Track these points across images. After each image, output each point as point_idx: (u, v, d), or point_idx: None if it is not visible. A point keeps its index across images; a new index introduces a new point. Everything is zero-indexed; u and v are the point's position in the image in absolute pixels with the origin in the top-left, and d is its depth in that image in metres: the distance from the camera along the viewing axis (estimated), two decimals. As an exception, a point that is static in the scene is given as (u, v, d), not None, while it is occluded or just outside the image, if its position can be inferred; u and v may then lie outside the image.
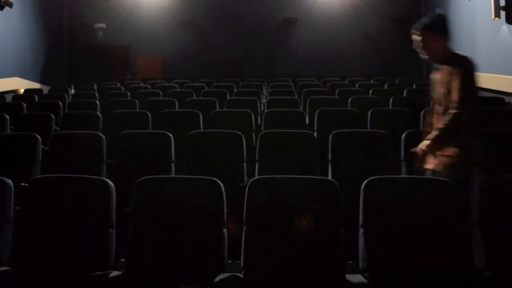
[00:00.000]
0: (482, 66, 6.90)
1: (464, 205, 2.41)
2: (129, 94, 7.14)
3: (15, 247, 2.46)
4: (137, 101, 6.05)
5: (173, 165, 3.75)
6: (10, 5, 7.40)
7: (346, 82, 8.36)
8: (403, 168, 3.62)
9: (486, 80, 6.51)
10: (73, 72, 10.75)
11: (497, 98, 5.73)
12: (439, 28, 2.75)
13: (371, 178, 2.43)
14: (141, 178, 2.56)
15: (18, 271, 2.34)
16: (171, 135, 3.83)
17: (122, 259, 2.43)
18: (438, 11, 2.84)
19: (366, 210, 2.37)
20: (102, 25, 11.07)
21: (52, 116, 4.96)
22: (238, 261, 2.37)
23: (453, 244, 2.29)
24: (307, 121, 5.07)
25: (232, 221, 2.48)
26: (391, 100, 5.65)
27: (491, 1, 5.87)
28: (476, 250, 2.31)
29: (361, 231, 2.36)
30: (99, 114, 5.18)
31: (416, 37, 2.81)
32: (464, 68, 2.64)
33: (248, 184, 2.48)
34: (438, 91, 2.76)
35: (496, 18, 5.83)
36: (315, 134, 4.33)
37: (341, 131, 3.78)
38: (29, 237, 2.46)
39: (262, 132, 4.02)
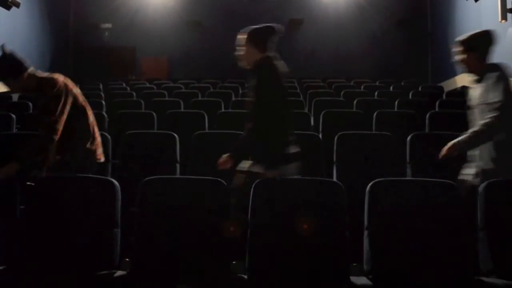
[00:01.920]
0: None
1: (469, 208, 2.40)
2: (134, 94, 7.16)
3: (21, 246, 2.47)
4: (142, 101, 6.07)
5: (178, 165, 3.76)
6: (17, 5, 7.44)
7: (352, 83, 8.34)
8: (408, 171, 3.61)
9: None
10: (79, 72, 10.79)
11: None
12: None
13: (376, 180, 2.43)
14: (146, 178, 2.57)
15: (23, 270, 2.35)
16: (176, 136, 3.83)
17: (127, 259, 2.44)
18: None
19: (371, 212, 2.37)
20: (108, 25, 11.11)
21: (58, 115, 4.97)
22: (243, 262, 2.37)
23: (459, 247, 2.28)
24: (312, 123, 5.07)
25: (237, 221, 2.48)
26: (396, 102, 5.64)
27: (498, 3, 5.85)
28: (481, 253, 2.30)
29: (366, 233, 2.36)
30: (104, 114, 5.19)
31: None
32: None
33: (254, 185, 2.48)
34: None
35: (503, 21, 5.80)
36: (320, 136, 4.32)
37: (347, 133, 3.77)
38: (35, 236, 2.47)
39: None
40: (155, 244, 2.39)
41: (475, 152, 2.69)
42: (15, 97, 7.40)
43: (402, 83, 8.43)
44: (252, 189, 2.45)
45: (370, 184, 2.40)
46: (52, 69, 10.16)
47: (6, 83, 2.85)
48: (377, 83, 8.35)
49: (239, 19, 10.86)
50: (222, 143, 3.82)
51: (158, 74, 10.50)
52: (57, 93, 2.83)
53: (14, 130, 4.81)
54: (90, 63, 10.68)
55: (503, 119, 2.49)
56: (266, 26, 2.72)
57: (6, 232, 2.51)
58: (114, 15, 10.93)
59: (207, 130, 4.60)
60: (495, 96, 2.52)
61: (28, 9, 8.72)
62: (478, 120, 2.62)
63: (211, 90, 7.43)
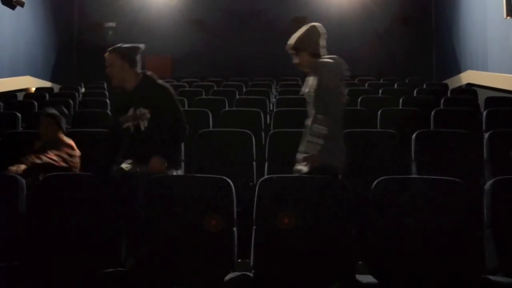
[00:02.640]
0: (494, 65, 6.87)
1: (475, 205, 2.39)
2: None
3: (27, 243, 2.48)
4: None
5: (182, 164, 3.76)
6: (22, 4, 7.45)
7: (356, 81, 8.32)
8: (413, 168, 3.60)
9: (498, 79, 6.46)
10: (83, 71, 10.81)
11: (509, 98, 5.67)
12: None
13: (381, 178, 2.42)
14: (151, 177, 2.58)
15: (30, 267, 2.36)
16: (180, 134, 3.83)
17: (133, 257, 2.44)
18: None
19: (376, 210, 2.36)
20: (112, 24, 11.13)
21: (63, 114, 4.99)
22: (248, 260, 2.37)
23: (465, 244, 2.28)
24: (316, 121, 5.05)
25: (241, 220, 2.48)
26: (401, 100, 5.62)
27: (503, 0, 5.80)
28: (488, 251, 2.29)
29: (371, 231, 2.35)
30: (109, 112, 5.20)
31: None
32: None
33: (258, 184, 2.48)
34: None
35: (508, 17, 5.76)
36: (325, 134, 4.31)
37: (351, 130, 3.76)
38: (41, 234, 2.48)
39: (272, 131, 4.02)
40: (160, 242, 2.40)
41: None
42: (20, 96, 7.43)
43: (407, 81, 8.40)
44: (257, 187, 2.46)
45: (375, 182, 2.40)
46: (56, 68, 10.23)
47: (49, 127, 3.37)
48: (381, 81, 8.32)
49: (242, 17, 10.88)
50: (227, 141, 3.83)
51: (162, 73, 10.45)
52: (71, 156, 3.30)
53: (20, 129, 4.83)
54: (94, 62, 10.66)
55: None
56: (134, 46, 2.85)
57: (11, 230, 2.52)
58: (118, 14, 10.94)
59: (211, 129, 4.60)
60: (318, 87, 2.59)
61: (33, 9, 8.73)
62: (309, 109, 2.69)
63: (215, 88, 7.43)
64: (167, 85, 2.81)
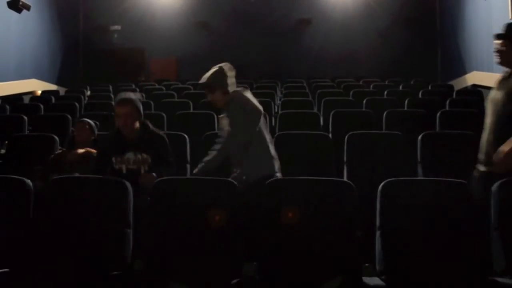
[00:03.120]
0: (499, 66, 6.83)
1: (482, 207, 2.38)
2: (144, 95, 7.19)
3: (33, 246, 2.49)
4: (152, 103, 6.10)
5: (188, 166, 3.77)
6: (28, 8, 7.52)
7: (361, 83, 8.31)
8: (419, 170, 3.59)
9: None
10: (89, 73, 10.87)
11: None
12: None
13: (388, 180, 2.41)
14: (157, 179, 2.59)
15: (36, 270, 2.37)
16: (186, 136, 3.85)
17: (139, 260, 2.45)
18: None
19: (383, 212, 2.35)
20: (117, 27, 11.18)
21: (69, 117, 5.02)
22: (255, 263, 2.37)
23: (471, 246, 2.27)
24: (321, 123, 5.06)
25: (247, 222, 2.48)
26: (406, 101, 5.61)
27: (508, 1, 5.79)
28: (495, 253, 2.28)
29: (378, 233, 2.35)
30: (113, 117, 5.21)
31: None
32: None
33: (266, 185, 2.48)
34: None
35: (514, 18, 5.74)
36: (330, 136, 4.31)
37: (357, 132, 3.76)
38: (47, 236, 2.49)
39: (277, 133, 4.02)
40: (167, 245, 2.40)
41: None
42: (26, 99, 7.48)
43: (412, 82, 8.38)
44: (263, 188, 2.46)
45: (381, 184, 2.39)
46: (62, 71, 10.29)
47: (83, 132, 3.61)
48: (386, 82, 8.31)
49: (247, 19, 10.91)
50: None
51: (167, 75, 10.53)
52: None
53: (26, 132, 4.87)
54: (100, 65, 10.75)
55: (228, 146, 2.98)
56: (140, 99, 3.16)
57: (19, 232, 2.54)
58: (123, 17, 11.00)
59: (216, 131, 4.60)
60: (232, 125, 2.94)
61: (39, 12, 8.80)
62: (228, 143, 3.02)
63: (220, 90, 7.42)
64: (162, 133, 3.18)
